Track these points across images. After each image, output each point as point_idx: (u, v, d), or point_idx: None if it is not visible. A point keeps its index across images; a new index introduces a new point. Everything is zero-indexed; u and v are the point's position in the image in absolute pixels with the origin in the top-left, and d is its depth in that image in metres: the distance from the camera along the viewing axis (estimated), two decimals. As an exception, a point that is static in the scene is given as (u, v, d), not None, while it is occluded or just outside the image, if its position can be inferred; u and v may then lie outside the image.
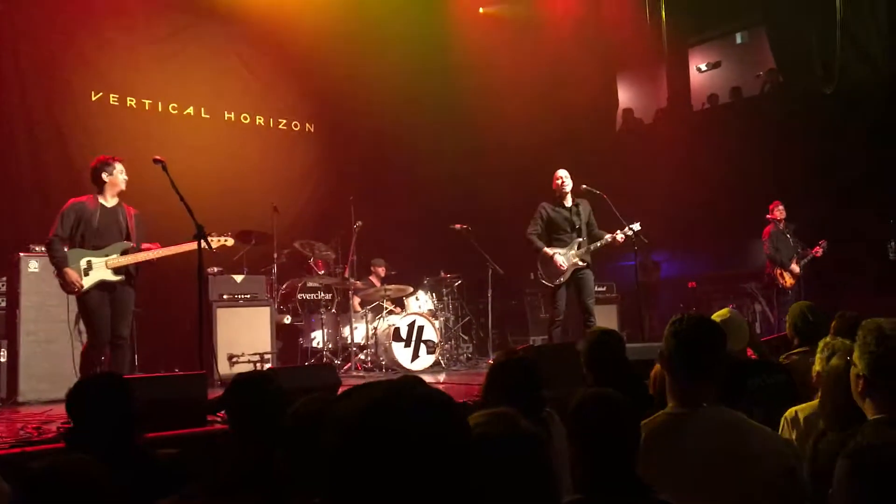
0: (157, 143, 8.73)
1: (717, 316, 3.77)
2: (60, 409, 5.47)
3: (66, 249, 5.57)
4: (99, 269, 5.60)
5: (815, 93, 9.87)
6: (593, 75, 12.06)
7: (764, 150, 10.15)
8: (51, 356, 6.61)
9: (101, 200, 5.75)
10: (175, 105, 9.88)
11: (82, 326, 5.95)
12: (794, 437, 2.78)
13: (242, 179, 10.02)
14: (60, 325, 6.15)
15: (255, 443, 2.48)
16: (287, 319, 8.79)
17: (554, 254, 7.32)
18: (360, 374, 8.18)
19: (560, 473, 2.03)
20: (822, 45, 9.70)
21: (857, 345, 2.26)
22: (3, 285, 7.24)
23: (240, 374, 2.89)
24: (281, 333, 8.56)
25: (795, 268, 8.81)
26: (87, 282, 5.56)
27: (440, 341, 8.69)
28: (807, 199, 9.64)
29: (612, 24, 11.74)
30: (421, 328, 8.52)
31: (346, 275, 8.85)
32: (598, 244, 7.39)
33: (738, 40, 13.55)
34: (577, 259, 7.33)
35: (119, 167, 5.80)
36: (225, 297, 7.94)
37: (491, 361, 7.31)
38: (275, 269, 8.59)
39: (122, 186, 5.82)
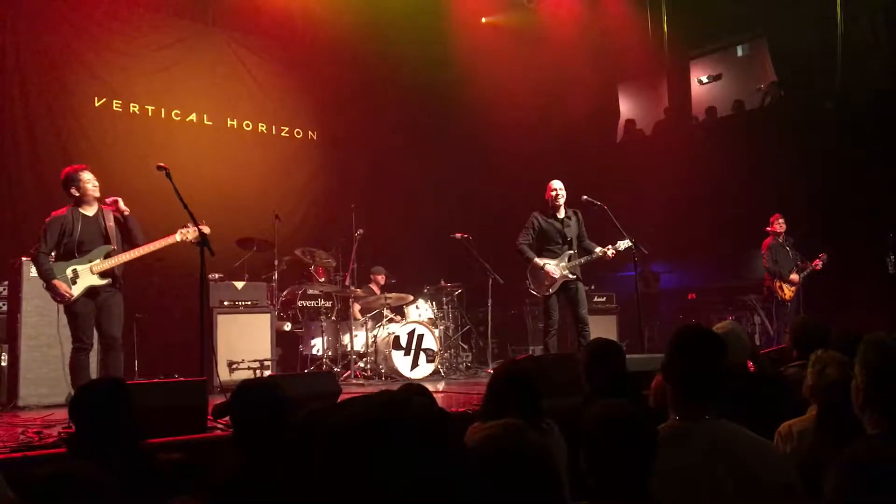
0: (159, 150, 8.79)
1: (717, 328, 3.78)
2: (61, 414, 5.50)
3: (51, 261, 5.65)
4: (85, 275, 5.67)
5: (816, 106, 9.91)
6: (595, 86, 12.09)
7: (764, 163, 10.18)
8: (51, 361, 6.62)
9: (81, 211, 5.81)
10: (178, 112, 9.92)
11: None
12: (787, 451, 2.79)
13: (244, 187, 10.05)
14: (61, 329, 6.15)
15: (259, 449, 2.49)
16: (287, 326, 8.79)
17: (545, 264, 7.33)
18: (360, 381, 8.18)
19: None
20: (823, 58, 9.75)
21: (859, 358, 2.28)
22: (4, 290, 7.26)
23: (246, 381, 2.90)
24: (281, 340, 8.56)
25: (795, 279, 8.83)
26: (75, 290, 5.64)
27: (440, 350, 8.70)
28: (806, 212, 9.67)
29: (614, 36, 11.77)
30: (421, 336, 8.52)
31: (347, 282, 8.87)
32: (590, 258, 7.38)
33: (740, 53, 13.59)
34: (567, 271, 7.32)
35: (86, 176, 5.83)
36: (225, 303, 7.95)
37: (490, 371, 7.31)
38: (275, 276, 8.62)
39: (95, 194, 5.84)
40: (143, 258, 5.99)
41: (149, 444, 2.95)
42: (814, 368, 2.83)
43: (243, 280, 8.29)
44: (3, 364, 6.94)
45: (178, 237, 5.76)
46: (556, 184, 7.45)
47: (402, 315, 9.10)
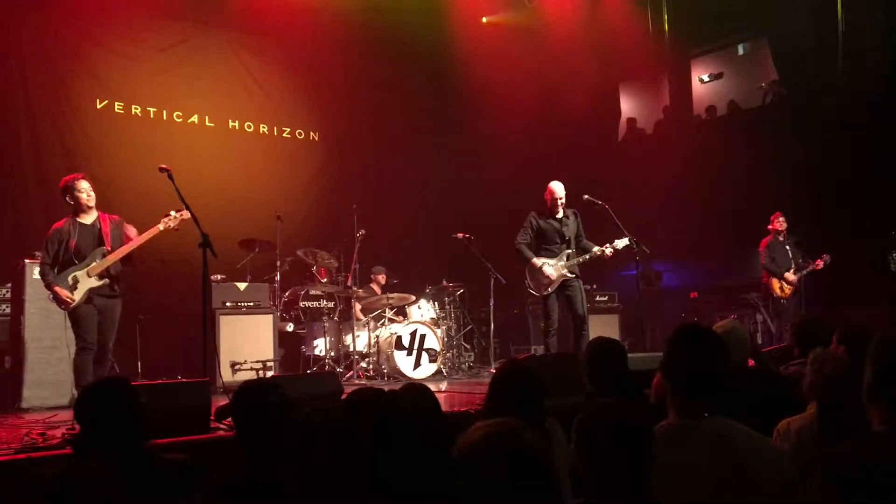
0: (161, 152, 8.80)
1: (718, 326, 3.79)
2: (64, 415, 5.52)
3: (55, 271, 5.79)
4: (83, 279, 5.80)
5: (817, 104, 9.90)
6: (595, 85, 12.09)
7: (766, 161, 10.17)
8: (55, 363, 6.65)
9: (78, 220, 5.92)
10: (179, 113, 9.94)
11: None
12: (786, 448, 2.79)
13: (246, 188, 10.07)
14: (65, 331, 6.17)
15: (261, 450, 2.50)
16: (289, 327, 8.81)
17: (543, 264, 7.31)
18: (363, 382, 8.19)
19: (560, 484, 2.05)
20: (824, 56, 9.74)
21: (869, 353, 2.29)
22: (7, 292, 7.29)
23: (246, 382, 2.91)
24: (283, 341, 8.58)
25: (790, 278, 8.83)
26: (76, 295, 5.77)
27: (442, 350, 8.70)
28: (808, 210, 9.66)
29: (615, 34, 11.75)
30: (423, 336, 8.53)
31: (349, 283, 8.88)
32: (587, 257, 7.38)
33: (741, 52, 13.58)
34: (565, 270, 7.32)
35: (81, 185, 5.93)
36: (228, 304, 7.97)
37: (493, 370, 7.32)
38: (278, 277, 8.63)
39: (90, 203, 5.95)
40: (145, 260, 6.14)
41: (153, 445, 2.96)
42: (813, 366, 2.84)
43: (246, 281, 8.31)
44: (7, 366, 6.97)
45: (160, 227, 5.90)
46: (558, 188, 7.41)
47: (405, 315, 9.12)
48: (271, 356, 7.95)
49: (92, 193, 5.96)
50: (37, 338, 6.74)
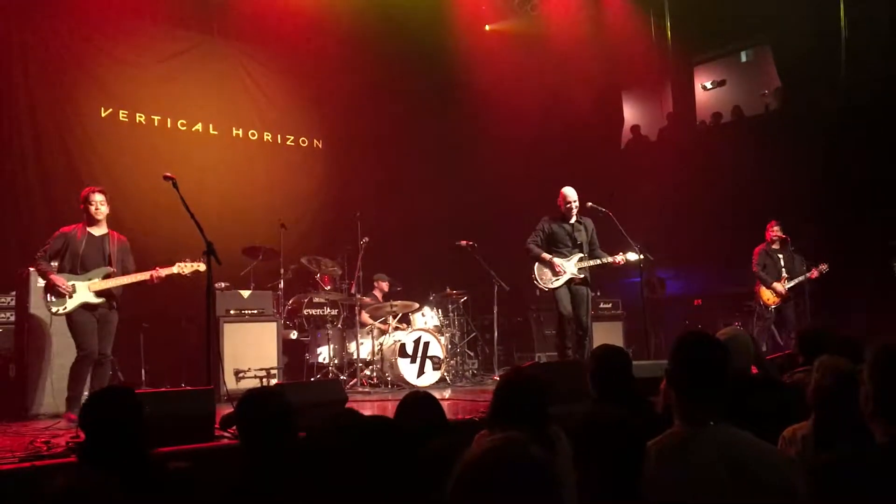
0: (165, 160, 8.83)
1: (722, 333, 3.78)
2: (68, 423, 5.52)
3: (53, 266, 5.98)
4: (82, 291, 5.97)
5: (821, 111, 9.91)
6: (599, 92, 12.11)
7: (769, 168, 10.17)
8: (58, 371, 6.64)
9: (89, 230, 6.12)
10: (184, 122, 9.97)
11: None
12: (791, 455, 2.79)
13: (250, 195, 10.10)
14: (68, 339, 6.19)
15: (266, 457, 2.50)
16: (293, 335, 8.81)
17: (553, 257, 7.34)
18: (366, 389, 8.19)
19: (565, 492, 2.04)
20: (827, 63, 9.75)
21: (868, 366, 2.27)
22: (12, 300, 7.30)
23: (250, 390, 2.92)
24: (287, 349, 8.58)
25: (779, 287, 8.82)
26: (71, 304, 5.93)
27: (446, 357, 8.70)
28: (812, 218, 9.65)
29: (618, 42, 11.79)
30: (427, 344, 8.53)
31: (353, 290, 8.88)
32: (598, 262, 7.39)
33: (744, 59, 13.61)
34: (575, 269, 7.34)
35: (95, 198, 6.13)
36: (232, 312, 7.97)
37: (497, 378, 7.30)
38: (281, 285, 8.64)
39: (98, 217, 6.14)
40: (148, 266, 6.18)
41: (157, 453, 2.96)
42: (816, 374, 2.83)
43: (249, 289, 8.31)
44: (12, 374, 6.98)
45: (175, 269, 6.19)
46: (571, 193, 7.44)
47: (408, 323, 9.11)
48: (275, 364, 7.95)
49: (102, 207, 6.14)
50: (41, 346, 6.74)
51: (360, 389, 8.16)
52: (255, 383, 7.56)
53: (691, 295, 11.04)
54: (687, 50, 12.14)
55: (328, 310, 9.04)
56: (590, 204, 7.48)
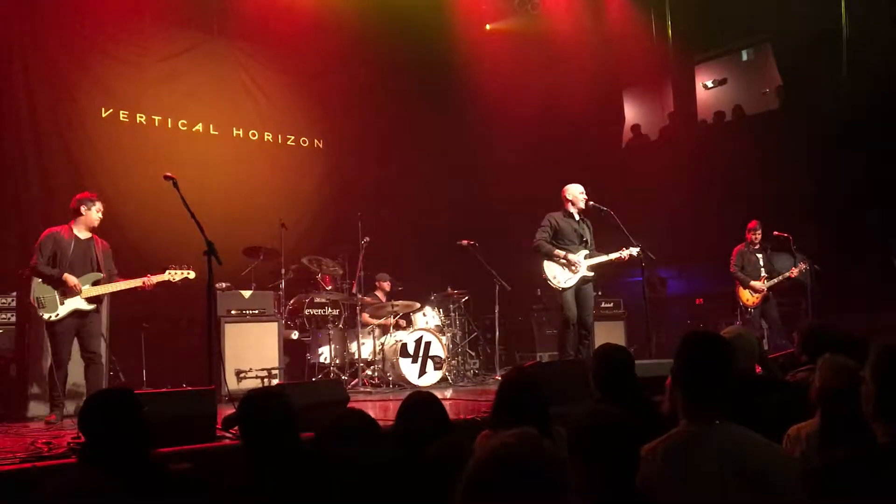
0: (166, 160, 8.82)
1: (726, 332, 3.78)
2: (69, 424, 5.51)
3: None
4: (75, 298, 6.08)
5: (822, 109, 9.90)
6: (599, 91, 12.11)
7: (771, 166, 10.16)
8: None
9: (75, 231, 6.21)
10: (184, 122, 9.96)
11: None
12: (796, 454, 2.78)
13: (251, 195, 10.08)
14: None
15: (267, 458, 2.49)
16: (294, 335, 8.80)
17: (567, 253, 7.33)
18: (368, 389, 8.17)
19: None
20: (828, 61, 9.74)
21: (869, 366, 2.26)
22: (13, 301, 7.29)
23: (252, 390, 2.91)
24: (288, 349, 8.57)
25: (757, 286, 8.83)
26: (62, 310, 6.04)
27: (447, 357, 8.69)
28: (813, 215, 9.65)
29: (619, 41, 11.78)
30: (428, 344, 8.52)
31: (354, 290, 8.87)
32: (604, 258, 7.39)
33: (745, 57, 13.60)
34: (585, 265, 7.34)
35: (98, 205, 6.26)
36: (233, 312, 7.95)
37: (498, 378, 7.29)
38: (282, 285, 8.63)
39: (95, 224, 6.28)
40: (149, 266, 6.23)
41: (158, 454, 2.95)
42: (820, 372, 2.83)
43: (250, 289, 8.29)
44: (12, 374, 6.97)
45: (166, 276, 6.31)
46: (578, 191, 7.45)
47: (410, 322, 9.10)
48: (276, 364, 7.94)
49: (100, 215, 6.28)
50: (41, 346, 6.73)
51: (362, 389, 8.15)
52: (256, 384, 7.55)
53: (693, 294, 11.03)
54: (688, 48, 12.13)
55: (329, 310, 9.03)
56: (591, 203, 7.47)
